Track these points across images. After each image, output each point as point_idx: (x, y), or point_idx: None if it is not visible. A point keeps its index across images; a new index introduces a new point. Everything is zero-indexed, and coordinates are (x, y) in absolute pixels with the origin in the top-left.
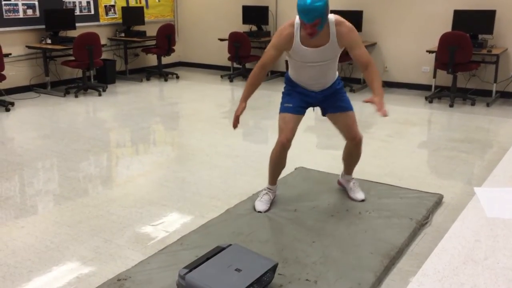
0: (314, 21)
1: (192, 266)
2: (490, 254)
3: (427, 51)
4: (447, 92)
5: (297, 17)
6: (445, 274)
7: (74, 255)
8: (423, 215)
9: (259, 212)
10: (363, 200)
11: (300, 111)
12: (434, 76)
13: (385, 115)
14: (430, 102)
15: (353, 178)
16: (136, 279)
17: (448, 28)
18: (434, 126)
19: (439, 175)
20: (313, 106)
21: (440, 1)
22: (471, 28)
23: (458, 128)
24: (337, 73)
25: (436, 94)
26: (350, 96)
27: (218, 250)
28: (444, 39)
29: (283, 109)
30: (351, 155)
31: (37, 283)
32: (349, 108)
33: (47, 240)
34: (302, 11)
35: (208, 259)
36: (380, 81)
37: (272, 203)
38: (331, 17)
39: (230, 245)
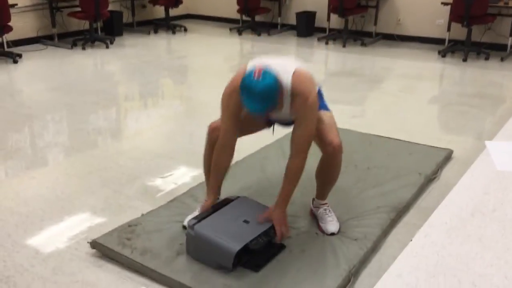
0: (263, 112)
1: (201, 217)
2: (498, 207)
3: (442, 3)
4: (461, 46)
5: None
6: (452, 226)
7: (84, 205)
8: (432, 170)
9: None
10: (333, 234)
11: None
12: (448, 29)
13: (280, 240)
14: (443, 56)
15: (325, 203)
16: (147, 226)
17: None
18: (446, 81)
19: (450, 130)
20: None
21: None
22: None
23: (471, 83)
24: (317, 90)
25: (450, 48)
26: (361, 50)
27: (226, 202)
28: None
29: None
30: (326, 170)
31: (49, 232)
32: (322, 107)
33: (57, 190)
34: (247, 102)
35: (216, 210)
36: (293, 186)
37: (281, 158)
38: (287, 80)
39: (238, 197)
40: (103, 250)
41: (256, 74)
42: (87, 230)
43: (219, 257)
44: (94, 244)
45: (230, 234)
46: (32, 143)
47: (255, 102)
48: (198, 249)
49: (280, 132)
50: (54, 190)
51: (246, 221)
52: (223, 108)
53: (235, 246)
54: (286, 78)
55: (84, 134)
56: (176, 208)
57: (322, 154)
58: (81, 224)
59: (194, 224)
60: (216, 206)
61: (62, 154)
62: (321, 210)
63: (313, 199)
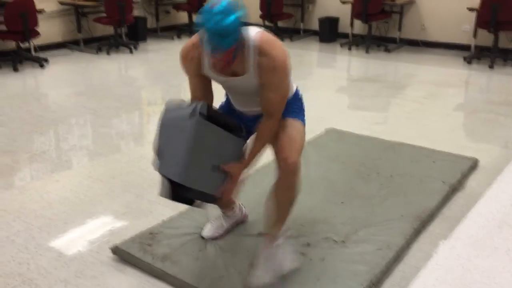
0: (226, 50)
1: (206, 116)
2: None
3: (467, 8)
4: (487, 53)
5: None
6: (479, 238)
7: (107, 209)
8: (456, 179)
9: (202, 237)
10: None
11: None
12: (475, 36)
13: (228, 197)
14: (469, 62)
15: (279, 239)
16: (167, 234)
17: None
18: (472, 88)
19: (475, 139)
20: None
21: None
22: None
23: (497, 90)
24: (293, 90)
25: (476, 54)
26: (384, 56)
27: (232, 127)
28: None
29: None
30: (278, 191)
31: (72, 235)
32: (291, 115)
33: (81, 194)
34: (208, 37)
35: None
36: (262, 145)
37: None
38: (254, 37)
39: (243, 133)
40: (124, 255)
41: (215, 5)
42: (109, 233)
43: (168, 160)
44: (115, 249)
45: (192, 162)
46: (56, 147)
47: (218, 35)
48: (170, 132)
49: None
50: (77, 194)
51: (216, 166)
52: (185, 72)
53: (170, 172)
54: (250, 34)
55: (108, 138)
56: (196, 214)
57: (277, 173)
58: (103, 228)
59: (199, 117)
60: (228, 125)
61: (85, 158)
62: (271, 250)
63: (264, 234)
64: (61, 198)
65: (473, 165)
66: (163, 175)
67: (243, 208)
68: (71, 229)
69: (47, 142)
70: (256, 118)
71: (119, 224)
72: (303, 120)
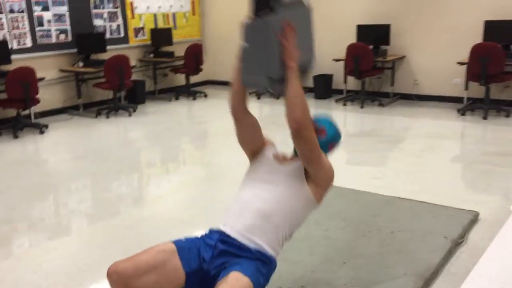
0: (319, 122)
1: None
2: None
3: (458, 63)
4: (480, 104)
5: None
6: None
7: (105, 277)
8: (458, 233)
9: None
10: None
11: (185, 256)
12: (466, 88)
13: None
14: (463, 114)
15: None
16: None
17: (479, 39)
18: (467, 140)
19: (475, 191)
20: (203, 268)
21: (470, 12)
22: (503, 38)
23: (493, 141)
24: (279, 246)
25: (469, 106)
26: (379, 110)
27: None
28: (475, 51)
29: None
30: None
31: None
32: (248, 271)
33: (79, 261)
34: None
35: None
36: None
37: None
38: None
39: None
40: None
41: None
42: None
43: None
44: None
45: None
46: (55, 213)
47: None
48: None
49: None
50: (75, 261)
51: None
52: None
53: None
54: None
55: (107, 202)
56: None
57: None
58: None
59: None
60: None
61: (84, 223)
62: None
63: None
64: (58, 267)
65: (474, 218)
66: None
67: None
68: None
69: (46, 208)
70: (219, 247)
71: None
72: (258, 284)
